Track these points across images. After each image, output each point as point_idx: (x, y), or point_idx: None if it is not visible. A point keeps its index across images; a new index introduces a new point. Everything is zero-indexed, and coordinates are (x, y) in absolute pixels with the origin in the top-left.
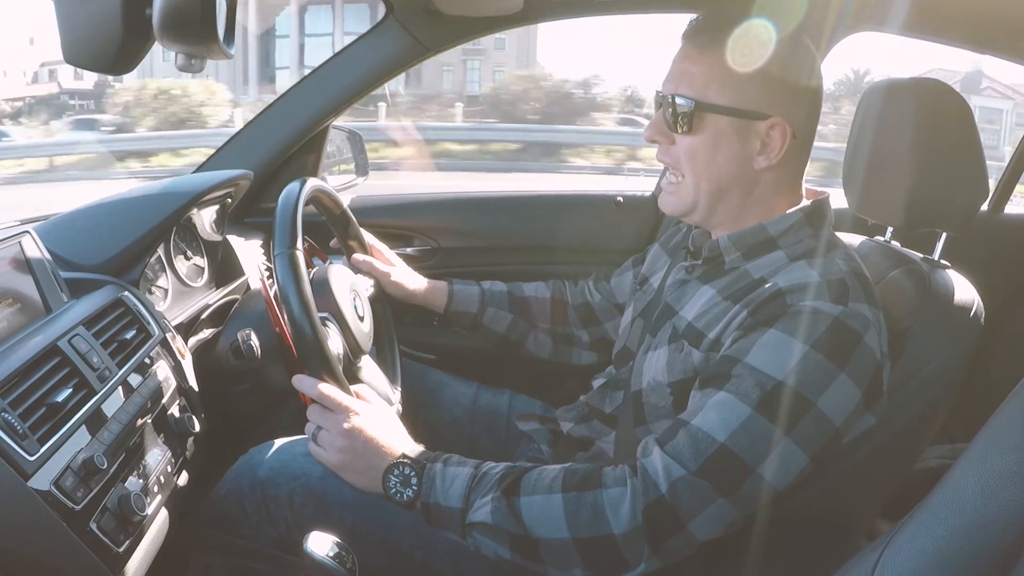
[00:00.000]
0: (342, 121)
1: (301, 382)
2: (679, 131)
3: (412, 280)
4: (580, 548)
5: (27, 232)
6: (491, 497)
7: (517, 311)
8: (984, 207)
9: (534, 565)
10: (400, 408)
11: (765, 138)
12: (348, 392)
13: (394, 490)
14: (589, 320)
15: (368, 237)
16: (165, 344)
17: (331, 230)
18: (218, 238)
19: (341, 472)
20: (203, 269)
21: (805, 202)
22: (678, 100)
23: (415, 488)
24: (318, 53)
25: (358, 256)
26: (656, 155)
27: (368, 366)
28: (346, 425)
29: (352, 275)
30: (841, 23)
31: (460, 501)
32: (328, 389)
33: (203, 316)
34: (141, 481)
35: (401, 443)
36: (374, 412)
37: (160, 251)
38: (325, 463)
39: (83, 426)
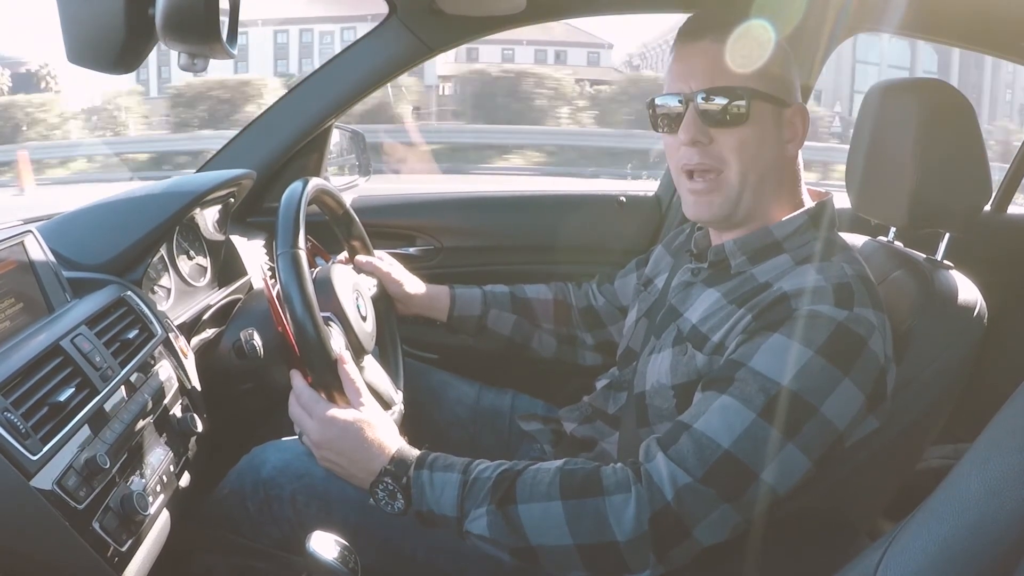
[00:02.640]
0: None
1: (293, 376)
2: (729, 125)
3: (414, 289)
4: (582, 554)
5: (29, 232)
6: (486, 510)
7: (520, 312)
8: (987, 207)
9: (533, 567)
10: (403, 408)
11: (790, 124)
12: (340, 391)
13: (384, 502)
14: (593, 323)
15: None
16: (168, 344)
17: (334, 230)
18: (221, 238)
19: (335, 473)
20: (206, 269)
21: (810, 204)
22: (721, 96)
23: (402, 501)
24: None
25: (361, 258)
26: (688, 160)
27: (371, 366)
28: (319, 437)
29: (355, 274)
30: (841, 24)
31: (454, 510)
32: (306, 392)
33: (206, 316)
34: (143, 481)
35: (377, 454)
36: (348, 425)
37: (163, 251)
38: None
39: (85, 425)
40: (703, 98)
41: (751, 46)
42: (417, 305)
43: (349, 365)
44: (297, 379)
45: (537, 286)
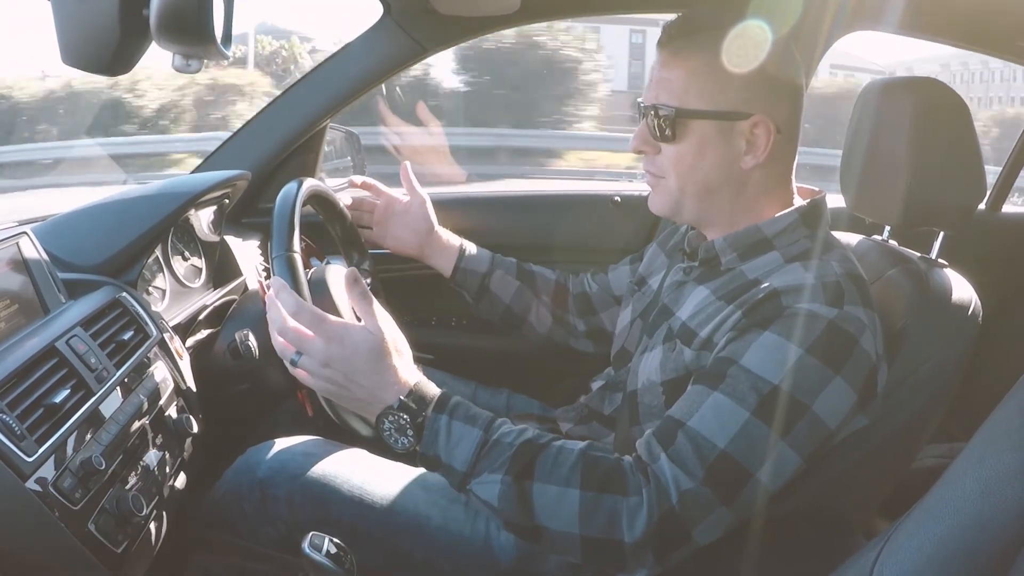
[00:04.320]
0: None
1: (280, 292)
2: (663, 140)
3: (430, 224)
4: (585, 545)
5: (25, 233)
6: (500, 478)
7: (524, 280)
8: (981, 206)
9: (529, 544)
10: None
11: (749, 137)
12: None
13: (388, 434)
14: (586, 310)
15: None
16: (163, 345)
17: (329, 230)
18: (216, 238)
19: (331, 399)
20: (201, 270)
21: (801, 202)
22: (659, 109)
23: (412, 439)
24: None
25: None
26: (642, 165)
27: None
28: (325, 355)
29: None
30: (838, 22)
31: (465, 466)
32: (297, 309)
33: (201, 317)
34: (139, 482)
35: (393, 382)
36: (361, 342)
37: (158, 252)
38: (312, 387)
39: (81, 427)
40: (648, 111)
41: (699, 62)
42: (431, 244)
43: (360, 285)
44: (291, 295)
45: (540, 267)
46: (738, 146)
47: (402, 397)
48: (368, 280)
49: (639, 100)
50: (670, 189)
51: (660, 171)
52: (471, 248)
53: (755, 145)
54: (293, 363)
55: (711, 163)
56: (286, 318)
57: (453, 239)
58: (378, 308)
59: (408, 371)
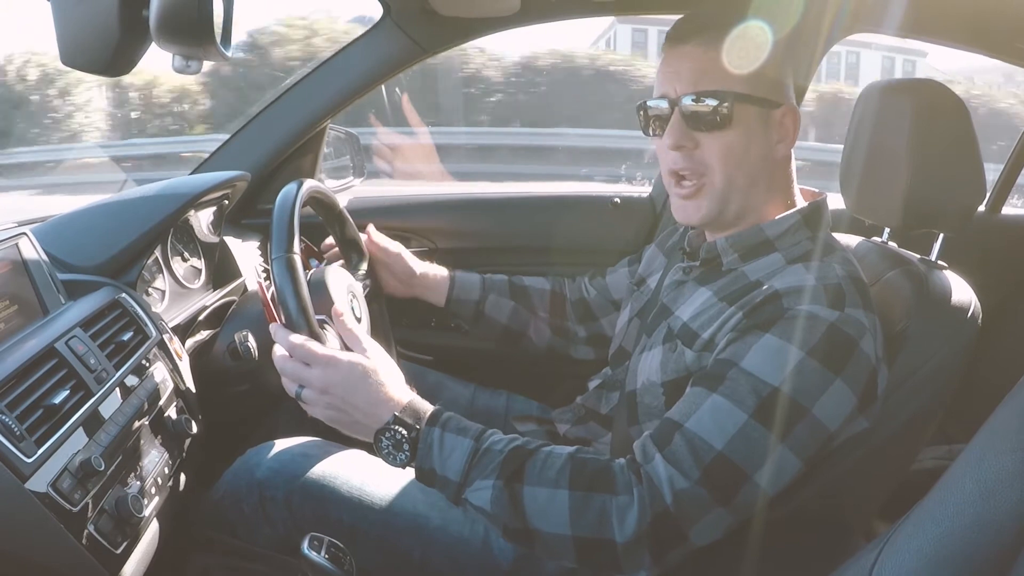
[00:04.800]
0: None
1: (276, 333)
2: (713, 129)
3: (417, 269)
4: (577, 545)
5: (24, 234)
6: (492, 483)
7: (518, 299)
8: (981, 208)
9: (525, 549)
10: None
11: (779, 126)
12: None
13: (387, 452)
14: (585, 316)
15: (374, 234)
16: (162, 346)
17: (328, 231)
18: (215, 239)
19: (335, 426)
20: (200, 270)
21: (803, 203)
22: (706, 99)
23: (408, 453)
24: None
25: (365, 237)
26: (674, 164)
27: None
28: (323, 383)
29: (349, 276)
30: (838, 23)
31: (458, 476)
32: (299, 340)
33: (200, 317)
34: (139, 483)
35: (386, 400)
36: (353, 365)
37: (157, 252)
38: (318, 417)
39: (80, 428)
40: (688, 101)
41: (739, 49)
42: (419, 285)
43: (347, 317)
44: (289, 334)
45: (534, 277)
46: (772, 135)
47: (397, 413)
48: (367, 282)
49: (663, 95)
50: (716, 187)
51: (701, 167)
52: (461, 277)
53: (785, 134)
54: (298, 396)
55: (756, 152)
56: (284, 356)
57: (441, 272)
58: (364, 336)
59: (401, 390)
